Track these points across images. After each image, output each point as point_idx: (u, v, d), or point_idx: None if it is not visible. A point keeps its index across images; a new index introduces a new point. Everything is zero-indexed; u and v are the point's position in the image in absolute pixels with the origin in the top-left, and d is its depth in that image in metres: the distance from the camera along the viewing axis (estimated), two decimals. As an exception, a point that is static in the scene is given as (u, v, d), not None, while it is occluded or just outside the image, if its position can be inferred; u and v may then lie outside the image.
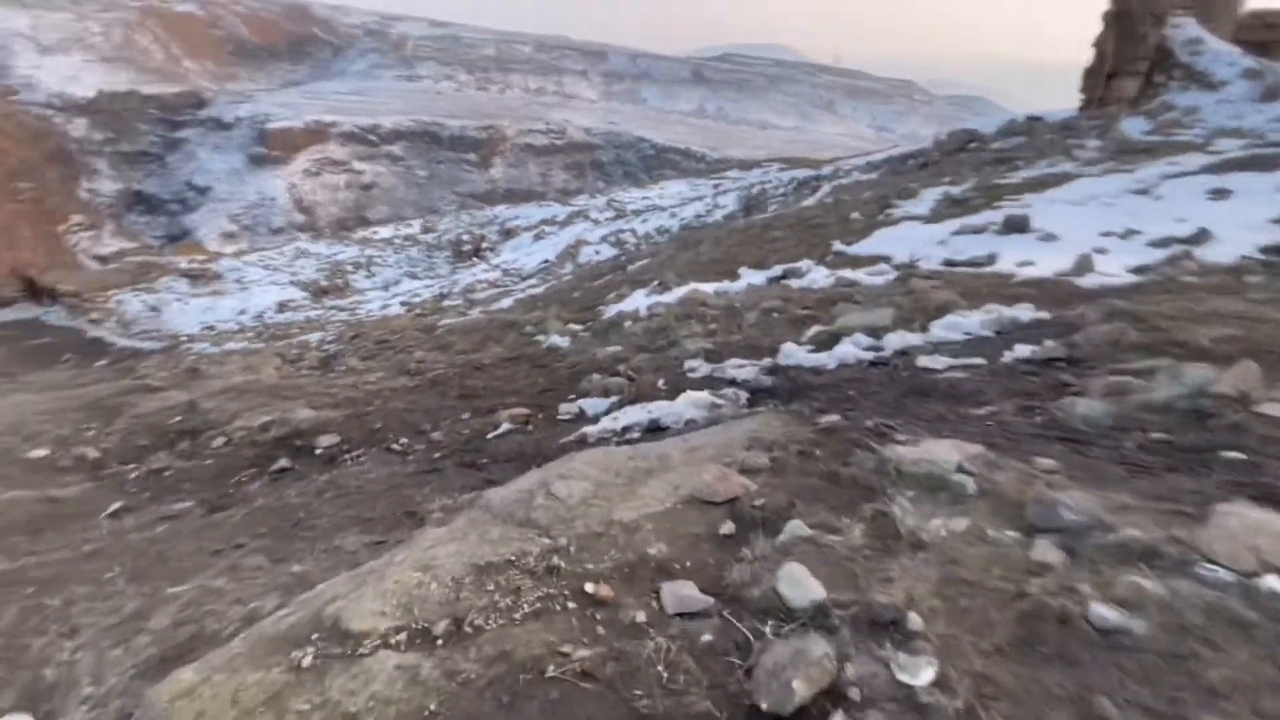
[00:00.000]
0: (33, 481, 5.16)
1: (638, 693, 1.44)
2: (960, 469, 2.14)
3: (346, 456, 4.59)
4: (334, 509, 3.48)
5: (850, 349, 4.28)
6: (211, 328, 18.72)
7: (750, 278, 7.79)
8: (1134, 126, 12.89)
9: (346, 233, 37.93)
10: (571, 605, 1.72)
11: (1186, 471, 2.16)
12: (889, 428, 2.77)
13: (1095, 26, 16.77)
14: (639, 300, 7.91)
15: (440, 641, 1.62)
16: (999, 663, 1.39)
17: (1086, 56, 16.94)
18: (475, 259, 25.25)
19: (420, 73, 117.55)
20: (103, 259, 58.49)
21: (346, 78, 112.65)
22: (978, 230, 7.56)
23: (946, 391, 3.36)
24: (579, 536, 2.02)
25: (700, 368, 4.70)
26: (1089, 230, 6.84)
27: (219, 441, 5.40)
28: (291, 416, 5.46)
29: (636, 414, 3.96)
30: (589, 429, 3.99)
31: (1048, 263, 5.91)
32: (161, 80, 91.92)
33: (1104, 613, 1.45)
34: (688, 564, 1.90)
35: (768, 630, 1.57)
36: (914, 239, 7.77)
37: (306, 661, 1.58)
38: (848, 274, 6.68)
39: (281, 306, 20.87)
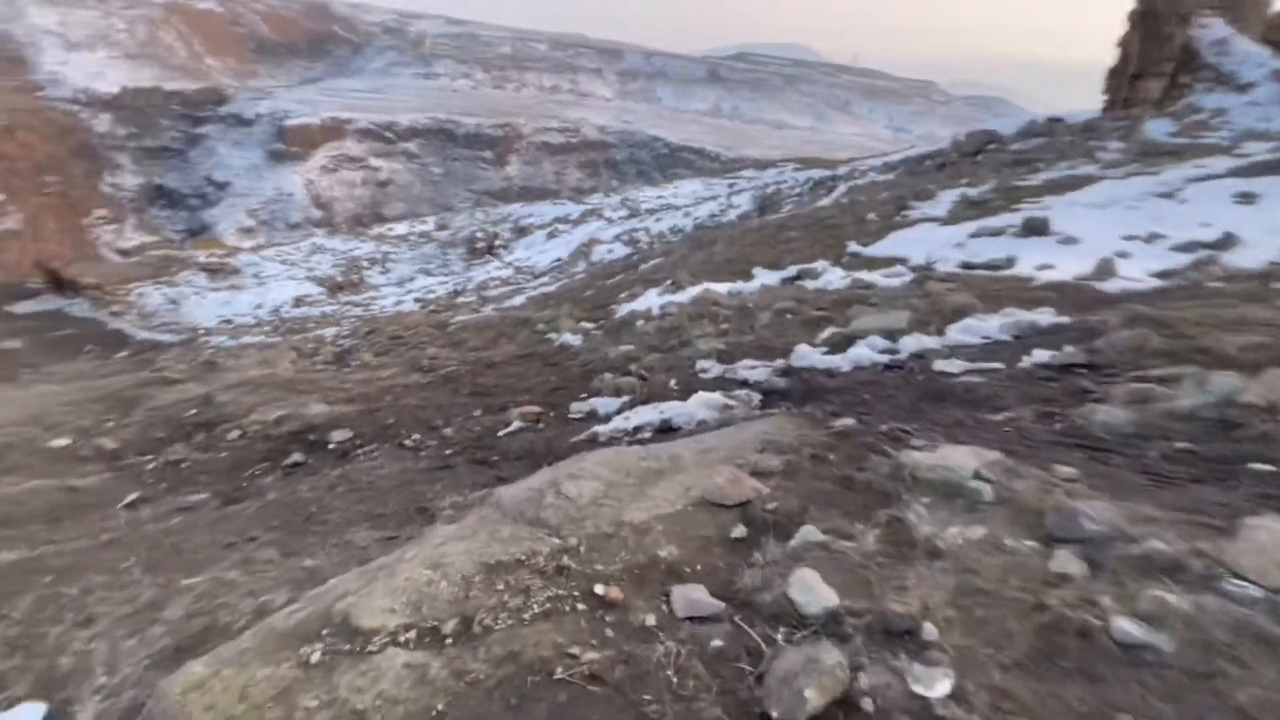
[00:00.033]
0: (53, 471, 5.25)
1: (647, 697, 1.43)
2: (977, 476, 2.10)
3: (359, 452, 4.62)
4: (346, 504, 3.50)
5: (865, 351, 4.24)
6: (229, 321, 18.97)
7: (764, 278, 7.74)
8: (1158, 128, 12.66)
9: (362, 229, 38.29)
10: (581, 606, 1.71)
11: (1212, 483, 2.10)
12: (904, 432, 2.73)
13: (1120, 26, 16.50)
14: (652, 299, 7.89)
15: (449, 640, 1.61)
16: (1017, 676, 1.36)
17: (1110, 57, 16.67)
18: (489, 256, 25.37)
19: (437, 70, 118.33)
20: (124, 252, 59.54)
21: (364, 75, 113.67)
22: (996, 233, 7.46)
23: (963, 396, 3.31)
24: (589, 537, 2.00)
25: (712, 368, 4.67)
26: (1111, 234, 6.72)
27: (234, 434, 5.46)
28: (305, 411, 5.51)
29: (648, 414, 3.95)
30: (600, 428, 3.98)
31: (1068, 266, 5.81)
32: (184, 77, 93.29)
33: (1127, 627, 1.41)
34: (698, 567, 1.88)
35: (779, 637, 1.55)
36: (931, 241, 7.68)
37: (315, 658, 1.58)
38: (863, 275, 6.62)
39: (297, 301, 21.10)
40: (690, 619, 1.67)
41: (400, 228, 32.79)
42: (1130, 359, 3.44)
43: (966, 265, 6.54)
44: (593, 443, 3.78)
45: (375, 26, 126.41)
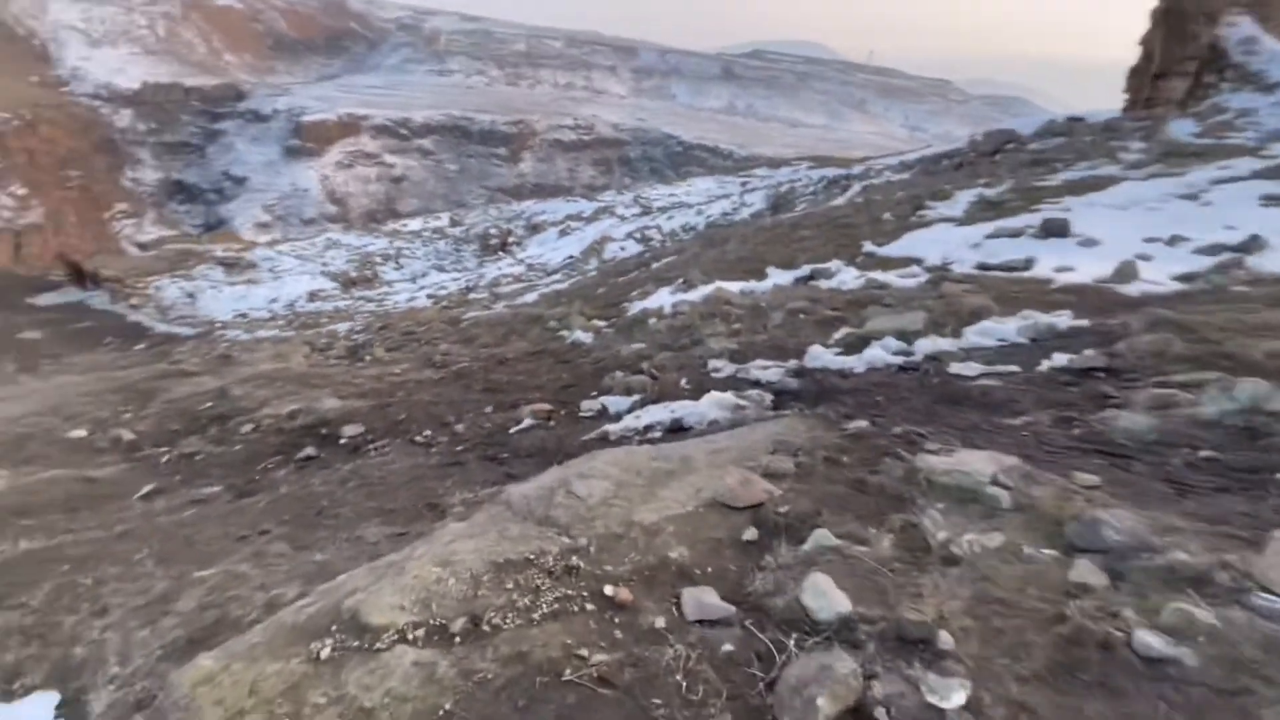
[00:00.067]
0: (72, 461, 5.33)
1: (656, 701, 1.41)
2: (995, 481, 2.07)
3: (371, 447, 4.64)
4: (357, 498, 3.52)
5: (879, 353, 4.19)
6: (244, 315, 19.17)
7: (777, 277, 7.69)
8: (1182, 128, 12.42)
9: (376, 225, 38.56)
10: (590, 607, 1.70)
11: (1239, 492, 2.05)
12: (919, 435, 2.69)
13: (1142, 24, 16.20)
14: (664, 298, 7.86)
15: (457, 639, 1.60)
16: (1036, 689, 1.33)
17: (1132, 55, 16.38)
18: (501, 253, 25.44)
19: (451, 67, 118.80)
20: (144, 246, 60.32)
21: (380, 72, 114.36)
22: (1014, 234, 7.35)
23: (979, 400, 3.26)
24: (599, 537, 1.99)
25: (724, 368, 4.64)
26: (1132, 236, 6.59)
27: (248, 428, 5.51)
28: (318, 405, 5.54)
29: (659, 413, 3.93)
30: (611, 426, 3.97)
31: (1088, 269, 5.71)
32: (203, 73, 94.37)
33: (1150, 641, 1.38)
34: (709, 569, 1.86)
35: (791, 643, 1.53)
36: (947, 241, 7.59)
37: (325, 653, 1.58)
38: (878, 276, 6.55)
39: (312, 296, 21.29)
40: (700, 622, 1.65)
41: (414, 224, 32.97)
42: (1152, 364, 3.37)
43: (983, 266, 6.45)
44: (603, 441, 3.77)
45: (390, 23, 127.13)
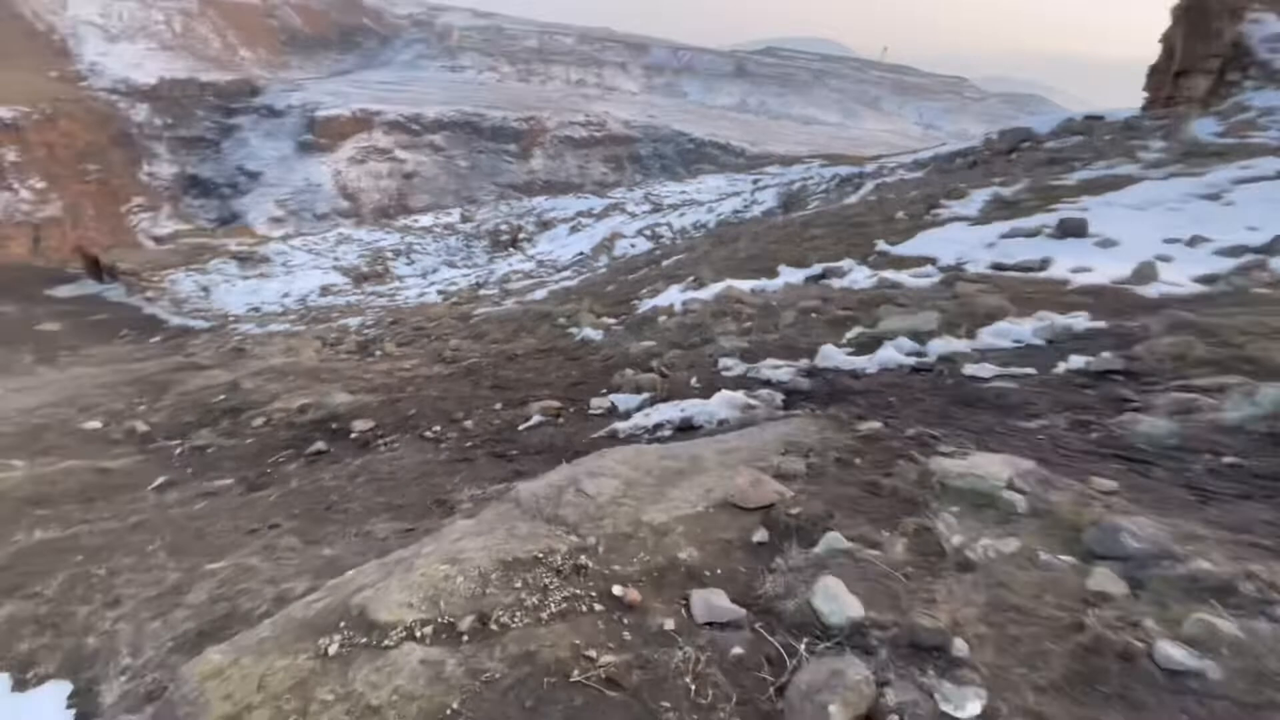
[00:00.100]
0: (87, 452, 5.40)
1: (664, 704, 1.40)
2: (1010, 485, 2.03)
3: (380, 442, 4.66)
4: (366, 493, 3.53)
5: (892, 353, 4.14)
6: (257, 309, 19.34)
7: (789, 276, 7.64)
8: (1204, 127, 12.19)
9: (388, 220, 38.74)
10: (598, 608, 1.68)
11: (1263, 500, 2.00)
12: (933, 438, 2.66)
13: (1164, 21, 15.92)
14: (674, 296, 7.83)
15: (465, 638, 1.60)
16: (1054, 699, 1.30)
17: (1152, 52, 16.10)
18: (512, 249, 25.48)
19: (463, 63, 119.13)
20: (159, 239, 61.05)
21: (392, 67, 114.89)
22: (1030, 234, 7.25)
23: (994, 402, 3.21)
24: (607, 536, 1.98)
25: (735, 366, 4.61)
26: (1151, 236, 6.48)
27: (259, 421, 5.55)
28: (329, 400, 5.57)
29: (668, 411, 3.91)
30: (620, 424, 3.95)
31: (1106, 269, 5.62)
32: (218, 68, 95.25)
33: (1172, 652, 1.34)
34: (718, 571, 1.84)
35: (802, 647, 1.50)
36: (962, 241, 7.50)
37: (333, 650, 1.57)
38: (891, 275, 6.48)
39: (324, 290, 21.44)
40: (710, 624, 1.63)
41: (425, 219, 33.10)
42: (1172, 367, 3.30)
43: (998, 266, 6.36)
44: (612, 439, 3.76)
45: (403, 19, 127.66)
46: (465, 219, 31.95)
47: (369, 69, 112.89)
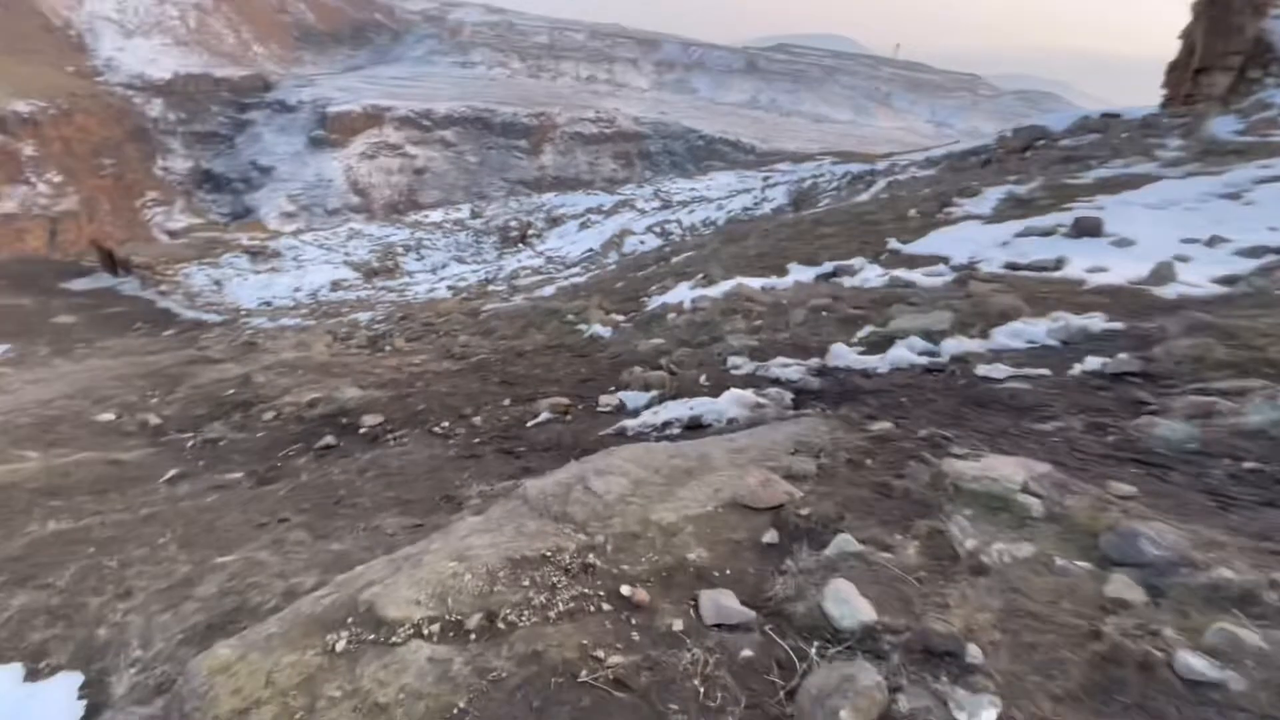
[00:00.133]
0: (100, 444, 5.45)
1: (673, 707, 1.38)
2: (1025, 489, 2.00)
3: (389, 437, 4.67)
4: (375, 488, 3.53)
5: (904, 353, 4.10)
6: (268, 303, 19.47)
7: (799, 274, 7.59)
8: (1223, 125, 11.98)
9: (398, 215, 38.89)
10: (606, 607, 1.67)
11: (1285, 507, 1.96)
12: (945, 439, 2.62)
13: (1183, 17, 15.66)
14: (683, 293, 7.80)
15: (473, 636, 1.59)
16: (1071, 709, 1.27)
17: (1171, 50, 15.84)
18: (521, 245, 25.50)
19: (474, 59, 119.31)
20: (173, 234, 61.70)
21: (404, 63, 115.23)
22: (1045, 233, 7.15)
23: (1008, 403, 3.17)
24: (616, 535, 1.96)
25: (744, 365, 4.59)
26: (1169, 236, 6.38)
27: (269, 415, 5.58)
28: (339, 395, 5.60)
29: (677, 409, 3.89)
30: (628, 422, 3.94)
31: (1122, 270, 5.53)
32: (232, 63, 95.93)
33: (1192, 662, 1.31)
34: (727, 572, 1.82)
35: (812, 651, 1.49)
36: (975, 240, 7.41)
37: (340, 646, 1.57)
38: (903, 274, 6.43)
39: (334, 285, 21.54)
40: (719, 626, 1.62)
41: (435, 215, 33.18)
42: (1190, 370, 3.25)
43: (1012, 266, 6.29)
44: (620, 436, 3.75)
45: (415, 14, 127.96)
46: (475, 215, 32.01)
47: (381, 64, 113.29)
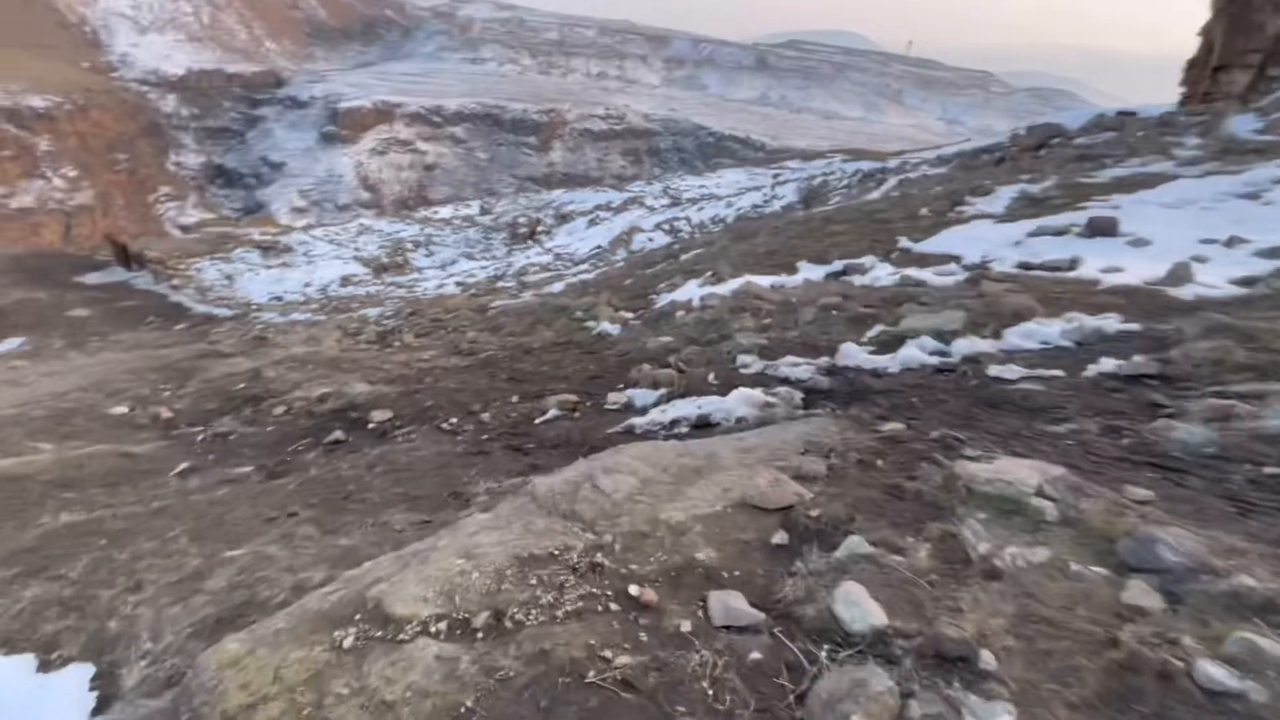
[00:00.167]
0: (113, 436, 5.50)
1: (681, 709, 1.37)
2: (1040, 492, 1.97)
3: (398, 432, 4.68)
4: (384, 484, 3.54)
5: (915, 352, 4.06)
6: (279, 298, 19.60)
7: (808, 272, 7.54)
8: (1243, 124, 11.80)
9: (408, 211, 39.02)
10: (614, 607, 1.66)
11: (1307, 514, 1.92)
12: (957, 440, 2.59)
13: (1202, 14, 15.42)
14: (692, 291, 7.77)
15: (480, 634, 1.58)
16: (1087, 718, 1.25)
17: (1189, 47, 15.62)
18: (530, 242, 25.52)
19: (485, 55, 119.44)
20: (185, 228, 62.22)
21: (414, 59, 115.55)
22: (1059, 232, 7.07)
23: (1020, 404, 3.13)
24: (624, 535, 1.95)
25: (753, 364, 4.56)
26: (1186, 236, 6.29)
27: (279, 410, 5.61)
28: (348, 390, 5.62)
29: (685, 408, 3.87)
30: (636, 420, 3.92)
31: (1138, 270, 5.46)
32: (244, 60, 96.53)
33: (1213, 672, 1.28)
34: (736, 573, 1.81)
35: (823, 655, 1.47)
36: (987, 239, 7.34)
37: (348, 642, 1.57)
38: (914, 273, 6.37)
39: (344, 281, 21.66)
40: (727, 628, 1.60)
41: (445, 211, 33.27)
42: (1209, 372, 3.19)
43: (1025, 265, 6.22)
44: (628, 434, 3.73)
45: (426, 11, 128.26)
46: (484, 211, 32.07)
47: (392, 60, 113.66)
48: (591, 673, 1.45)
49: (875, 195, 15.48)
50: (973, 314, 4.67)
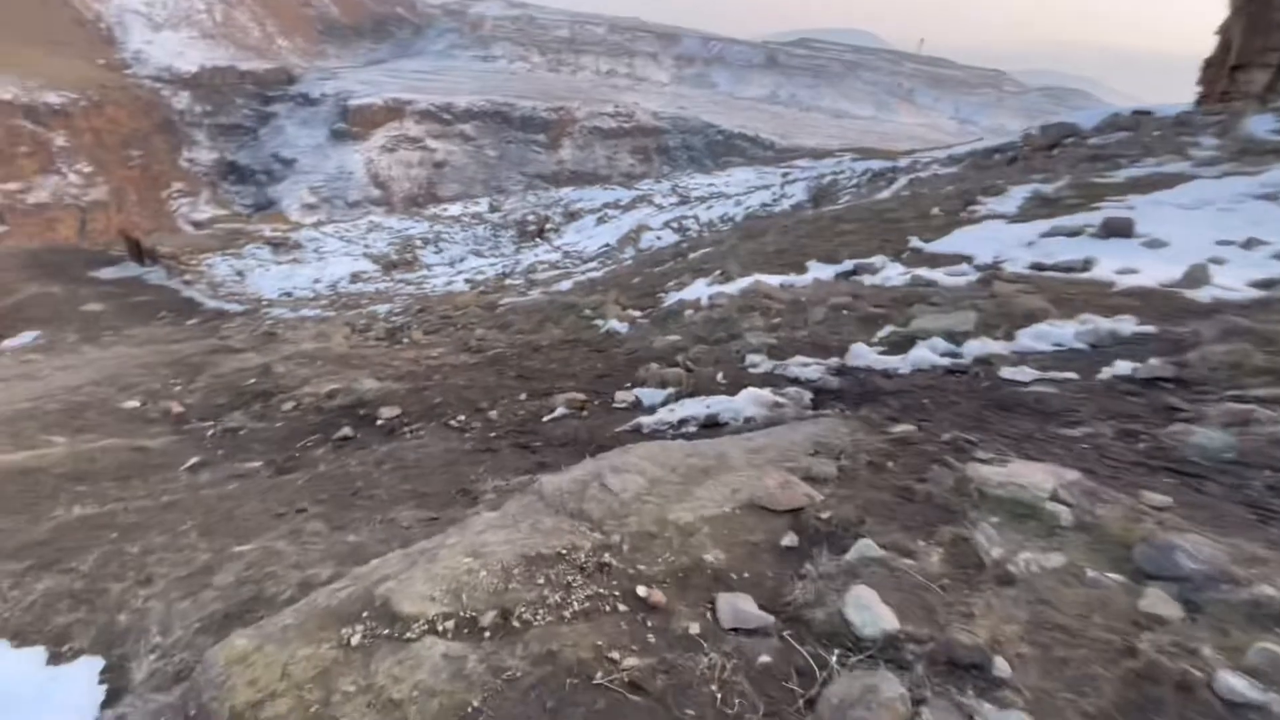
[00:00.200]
0: (125, 430, 5.55)
1: (689, 712, 1.36)
2: (1054, 497, 1.94)
3: (406, 429, 4.69)
4: (392, 481, 3.55)
5: (926, 353, 4.02)
6: (289, 294, 19.73)
7: (818, 271, 7.50)
8: (1261, 124, 11.63)
9: (417, 209, 39.16)
10: (622, 608, 1.65)
11: (1330, 521, 1.88)
12: (969, 443, 2.56)
13: (1220, 12, 15.21)
14: (700, 289, 7.75)
15: (487, 634, 1.58)
16: (1103, 728, 1.23)
17: (1207, 46, 15.41)
18: (538, 240, 25.55)
19: (495, 53, 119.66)
20: (198, 224, 62.79)
21: (425, 57, 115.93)
22: (1072, 232, 6.99)
23: (1033, 407, 3.09)
24: (632, 535, 1.94)
25: (762, 363, 4.54)
26: (1203, 238, 6.20)
27: (289, 405, 5.64)
28: (357, 386, 5.64)
29: (694, 407, 3.85)
30: (644, 419, 3.91)
31: (1154, 272, 5.39)
32: (256, 57, 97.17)
33: (1233, 682, 1.26)
34: (745, 575, 1.79)
35: (833, 659, 1.45)
36: (999, 239, 7.27)
37: (355, 640, 1.57)
38: (925, 273, 6.31)
39: (354, 277, 21.77)
40: (736, 630, 1.59)
41: (454, 208, 33.37)
42: (1226, 376, 3.14)
43: (1038, 266, 6.15)
44: (636, 433, 3.72)
45: (436, 8, 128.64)
46: (493, 209, 32.14)
47: (403, 58, 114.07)
48: (599, 674, 1.44)
49: (886, 194, 15.37)
50: (985, 315, 4.62)
